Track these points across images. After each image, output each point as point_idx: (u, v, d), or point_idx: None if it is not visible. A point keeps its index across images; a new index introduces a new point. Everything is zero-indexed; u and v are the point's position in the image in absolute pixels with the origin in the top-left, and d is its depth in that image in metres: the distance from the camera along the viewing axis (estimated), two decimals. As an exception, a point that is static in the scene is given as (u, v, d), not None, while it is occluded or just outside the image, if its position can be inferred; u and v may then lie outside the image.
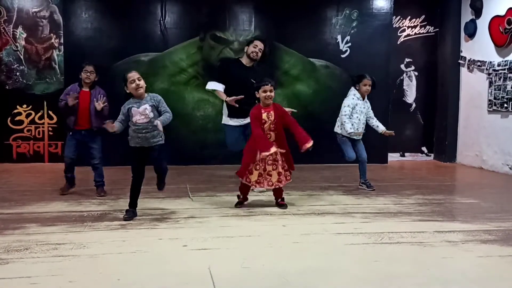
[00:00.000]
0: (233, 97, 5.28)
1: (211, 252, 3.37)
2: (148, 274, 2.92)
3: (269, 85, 4.51)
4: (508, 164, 7.41)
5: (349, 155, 5.72)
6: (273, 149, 4.44)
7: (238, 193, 4.86)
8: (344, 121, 5.60)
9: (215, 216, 4.43)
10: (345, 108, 5.64)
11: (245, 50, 5.58)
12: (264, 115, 4.53)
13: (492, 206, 5.04)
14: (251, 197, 5.08)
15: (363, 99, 5.73)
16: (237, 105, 5.30)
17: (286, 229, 4.02)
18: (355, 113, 5.67)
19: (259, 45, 5.49)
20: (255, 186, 4.69)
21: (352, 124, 5.61)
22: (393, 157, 8.88)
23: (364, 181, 5.90)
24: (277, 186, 4.67)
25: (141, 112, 4.13)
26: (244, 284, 2.79)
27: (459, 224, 4.23)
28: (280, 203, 4.78)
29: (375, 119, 5.88)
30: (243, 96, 5.25)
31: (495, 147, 7.72)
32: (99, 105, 5.08)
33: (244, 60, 5.57)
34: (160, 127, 4.08)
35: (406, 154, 9.14)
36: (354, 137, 5.69)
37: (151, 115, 4.14)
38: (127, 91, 4.20)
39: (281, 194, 4.81)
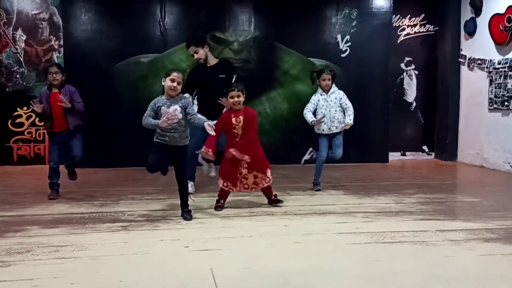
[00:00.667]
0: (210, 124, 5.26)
1: (212, 253, 3.37)
2: (150, 275, 2.92)
3: (236, 90, 4.51)
4: (509, 162, 7.40)
5: (322, 154, 5.70)
6: (229, 156, 4.48)
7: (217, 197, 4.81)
8: (304, 114, 5.63)
9: (216, 217, 4.43)
10: (308, 104, 5.68)
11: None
12: (233, 120, 4.55)
13: (494, 204, 5.03)
14: (253, 197, 5.09)
15: (327, 93, 5.67)
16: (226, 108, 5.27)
17: (288, 229, 4.01)
18: (319, 109, 5.65)
19: (192, 50, 5.44)
20: (232, 190, 4.67)
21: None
22: (394, 156, 8.88)
23: (316, 180, 5.80)
24: (253, 190, 4.69)
25: (171, 113, 4.07)
26: (246, 284, 2.78)
27: (461, 223, 4.22)
28: (274, 200, 4.81)
29: (349, 112, 5.66)
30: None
31: (496, 145, 7.71)
32: (65, 103, 5.02)
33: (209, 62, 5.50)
34: (187, 137, 4.18)
35: (407, 153, 9.14)
36: (327, 131, 5.61)
37: (180, 116, 4.13)
38: (162, 84, 4.21)
39: (271, 193, 4.82)
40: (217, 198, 4.77)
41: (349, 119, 5.61)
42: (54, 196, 5.23)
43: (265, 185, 4.70)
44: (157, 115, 4.15)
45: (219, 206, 4.70)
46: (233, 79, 5.37)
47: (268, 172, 4.70)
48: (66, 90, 5.18)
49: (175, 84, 4.16)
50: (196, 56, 5.44)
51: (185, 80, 5.44)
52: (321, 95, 5.68)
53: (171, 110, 4.09)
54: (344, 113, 5.68)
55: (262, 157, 4.69)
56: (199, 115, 4.31)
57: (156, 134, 4.26)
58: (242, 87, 4.57)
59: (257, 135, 4.69)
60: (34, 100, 5.13)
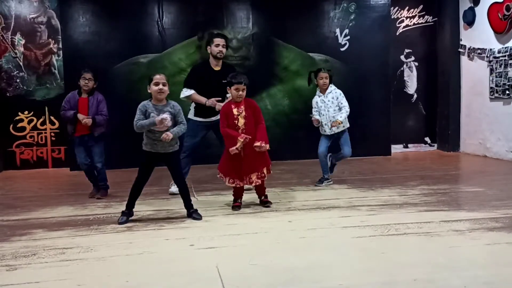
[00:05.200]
0: (213, 99, 5.21)
1: (218, 250, 3.37)
2: (156, 274, 2.93)
3: (242, 84, 4.46)
4: (512, 151, 7.40)
5: (319, 150, 5.68)
6: (239, 143, 4.35)
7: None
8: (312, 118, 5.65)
9: (221, 214, 4.44)
10: (312, 110, 5.68)
11: (210, 52, 5.34)
12: (234, 110, 4.49)
13: (498, 193, 5.02)
14: (256, 194, 5.08)
15: (324, 93, 5.62)
16: (218, 109, 5.23)
17: (292, 224, 4.02)
18: (318, 110, 5.63)
19: (221, 42, 5.30)
20: (239, 185, 4.56)
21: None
22: (396, 148, 8.87)
23: (325, 177, 5.77)
24: (257, 183, 4.57)
25: (162, 121, 4.06)
26: (253, 280, 2.78)
27: (465, 213, 4.22)
28: (264, 201, 4.71)
29: (343, 111, 5.54)
30: (220, 98, 5.21)
31: (499, 134, 7.70)
32: (86, 123, 5.09)
33: (212, 63, 5.35)
34: (170, 138, 4.06)
35: (409, 145, 9.13)
36: (329, 132, 5.58)
37: (170, 123, 4.12)
38: (149, 91, 4.18)
39: (263, 191, 4.73)
40: (233, 198, 4.70)
41: (339, 116, 5.47)
42: (92, 194, 5.34)
43: (259, 181, 4.56)
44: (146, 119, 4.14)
45: (236, 206, 4.63)
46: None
47: (266, 169, 4.60)
48: (94, 98, 5.23)
49: (160, 86, 4.11)
50: (222, 49, 5.27)
51: (188, 74, 5.46)
52: (318, 96, 5.65)
53: (160, 119, 4.05)
54: None
55: (265, 153, 4.58)
56: (182, 126, 4.23)
57: (145, 142, 4.22)
58: (247, 81, 4.53)
59: (264, 124, 4.59)
60: (80, 114, 5.13)
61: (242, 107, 4.51)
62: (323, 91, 5.62)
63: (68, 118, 5.17)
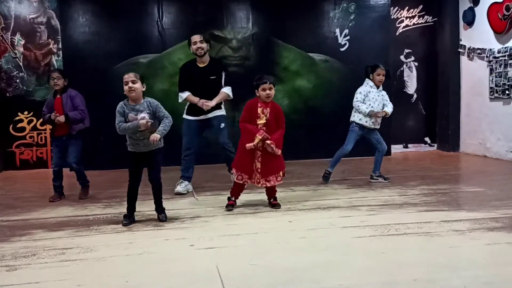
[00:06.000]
0: (203, 100, 5.22)
1: (218, 250, 3.37)
2: (156, 275, 2.92)
3: (268, 83, 4.40)
4: (512, 151, 7.39)
5: (346, 147, 5.74)
6: (257, 139, 4.30)
7: (229, 195, 4.69)
8: (358, 106, 5.64)
9: (221, 215, 4.43)
10: (357, 95, 5.69)
11: (191, 51, 5.40)
12: (259, 110, 4.44)
13: (498, 193, 5.02)
14: (256, 194, 5.08)
15: (377, 88, 5.71)
16: (206, 109, 5.25)
17: (292, 224, 4.02)
18: (367, 101, 5.65)
19: (197, 39, 5.30)
20: (247, 182, 4.51)
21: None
22: (396, 148, 8.87)
23: (379, 174, 5.89)
24: (264, 186, 4.52)
25: (140, 120, 4.01)
26: (253, 280, 2.78)
27: (465, 213, 4.22)
28: (273, 203, 4.63)
29: (390, 106, 5.77)
30: (213, 103, 5.24)
31: (498, 134, 7.70)
32: (58, 121, 5.09)
33: (198, 60, 5.38)
34: (158, 139, 4.01)
35: (409, 145, 9.13)
36: (372, 126, 5.68)
37: (150, 121, 4.04)
38: (125, 93, 4.13)
39: (274, 194, 4.65)
40: (228, 195, 4.66)
41: (387, 108, 5.70)
42: (54, 198, 5.26)
43: (275, 183, 4.53)
44: (126, 121, 4.07)
45: (230, 205, 4.57)
46: (223, 77, 5.36)
47: (282, 172, 4.56)
48: (67, 95, 5.23)
49: (129, 85, 3.99)
50: (199, 45, 5.27)
51: (179, 76, 5.49)
52: (371, 87, 5.70)
53: (139, 118, 4.01)
54: None
55: (281, 156, 4.53)
56: (166, 121, 4.11)
57: (128, 143, 4.17)
58: (272, 79, 4.48)
59: (283, 130, 4.54)
60: (53, 114, 5.14)
61: (268, 109, 4.45)
62: (378, 86, 5.72)
63: (46, 121, 5.20)
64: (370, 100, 5.65)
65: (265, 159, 4.44)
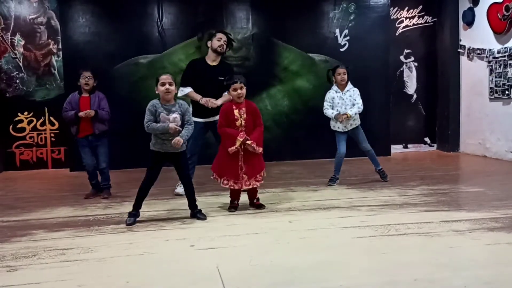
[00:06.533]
0: (207, 98, 5.20)
1: (218, 251, 3.37)
2: (156, 275, 2.93)
3: (239, 82, 4.43)
4: (512, 151, 7.40)
5: (340, 150, 5.72)
6: (238, 142, 4.33)
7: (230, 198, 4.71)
8: (325, 112, 5.67)
9: (221, 215, 4.44)
10: (324, 103, 5.71)
11: (209, 46, 5.35)
12: (235, 112, 4.45)
13: (498, 193, 5.03)
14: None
15: (342, 90, 5.65)
16: (211, 106, 5.24)
17: (293, 225, 4.02)
18: (334, 107, 5.64)
19: (223, 37, 5.32)
20: (233, 187, 4.49)
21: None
22: (396, 149, 8.88)
23: (378, 170, 5.91)
24: (254, 186, 4.52)
25: (171, 121, 4.12)
26: (253, 281, 2.78)
27: (466, 213, 4.22)
28: (256, 204, 4.66)
29: (355, 107, 5.59)
30: (218, 103, 5.19)
31: (498, 134, 7.70)
32: (88, 114, 5.11)
33: (210, 58, 5.35)
34: (181, 143, 4.11)
35: (409, 145, 9.13)
36: (345, 130, 5.64)
37: (179, 123, 4.16)
38: (156, 92, 4.19)
39: (256, 194, 4.68)
40: (230, 199, 4.67)
41: (350, 110, 5.54)
42: (89, 195, 5.35)
43: (259, 184, 4.56)
44: (156, 120, 4.15)
45: (232, 207, 4.60)
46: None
47: (263, 171, 4.59)
48: (96, 96, 5.26)
49: (166, 86, 4.12)
50: (222, 43, 5.27)
51: (185, 70, 5.48)
52: (336, 92, 5.66)
53: (171, 119, 4.12)
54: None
55: (261, 156, 4.58)
56: (189, 127, 4.24)
57: (154, 142, 4.22)
58: (243, 79, 4.51)
59: (262, 127, 4.58)
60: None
61: (243, 109, 4.48)
62: (342, 87, 5.65)
63: (70, 118, 5.18)
64: (336, 106, 5.63)
65: (248, 159, 4.46)
